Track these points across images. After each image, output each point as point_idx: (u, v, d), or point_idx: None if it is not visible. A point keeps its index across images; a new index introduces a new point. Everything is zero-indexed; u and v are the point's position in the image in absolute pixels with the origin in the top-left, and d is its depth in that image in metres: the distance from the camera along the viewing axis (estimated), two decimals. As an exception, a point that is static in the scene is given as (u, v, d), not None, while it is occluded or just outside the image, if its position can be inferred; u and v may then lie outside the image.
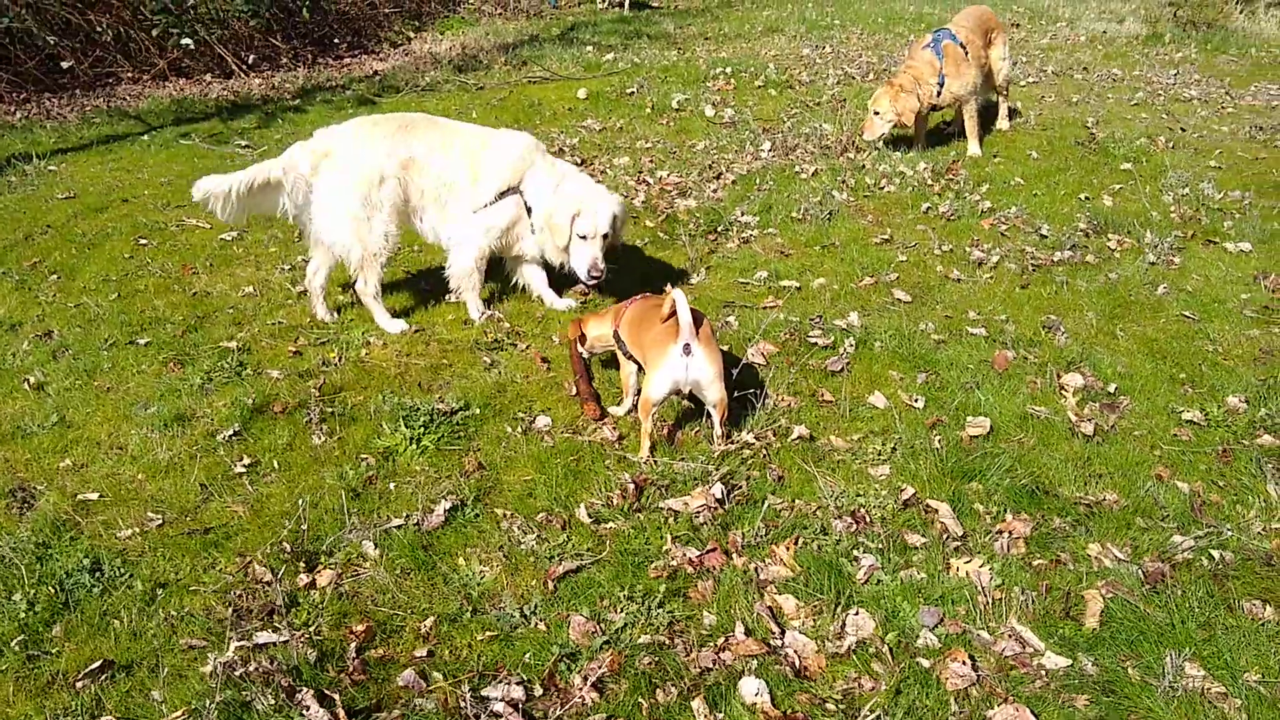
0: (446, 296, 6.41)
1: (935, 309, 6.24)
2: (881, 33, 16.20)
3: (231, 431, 4.88)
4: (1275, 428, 4.89)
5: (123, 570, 3.94)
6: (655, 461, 4.63)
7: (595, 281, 5.79)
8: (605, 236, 5.73)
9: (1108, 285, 6.54)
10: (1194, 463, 4.67)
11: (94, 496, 4.42)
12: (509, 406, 5.16)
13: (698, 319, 4.51)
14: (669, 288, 4.52)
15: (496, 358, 5.67)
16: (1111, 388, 5.27)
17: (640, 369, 4.96)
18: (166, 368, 5.54)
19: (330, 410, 5.07)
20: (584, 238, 5.72)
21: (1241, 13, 16.39)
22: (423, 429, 4.85)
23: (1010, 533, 4.13)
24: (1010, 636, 3.61)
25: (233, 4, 13.90)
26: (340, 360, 5.62)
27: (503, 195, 5.93)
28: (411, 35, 16.90)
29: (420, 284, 6.66)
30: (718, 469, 4.53)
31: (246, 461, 4.66)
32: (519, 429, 4.95)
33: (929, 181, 8.56)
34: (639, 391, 5.04)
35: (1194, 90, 12.44)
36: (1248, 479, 4.52)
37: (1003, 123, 10.17)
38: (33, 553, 4.01)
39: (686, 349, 4.44)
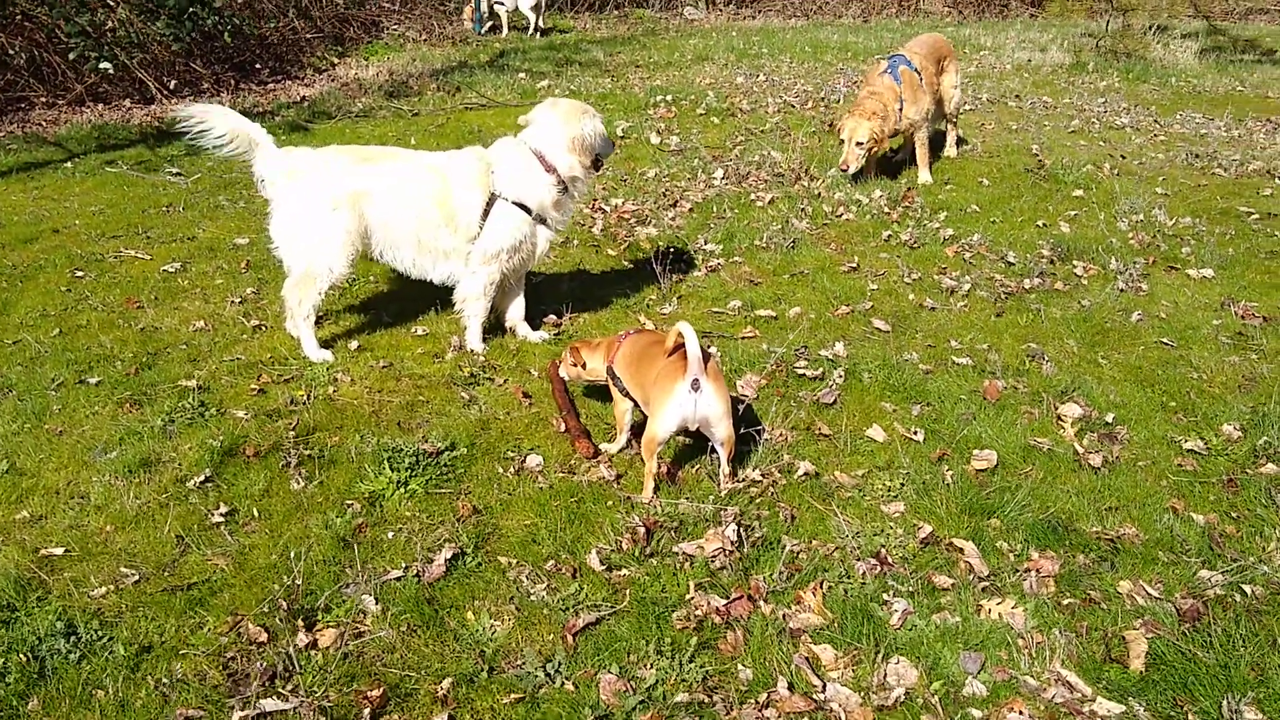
0: (413, 329, 6.16)
1: (915, 338, 6.14)
2: (810, 61, 16.27)
3: (202, 477, 4.57)
4: (1278, 456, 4.84)
5: (100, 633, 3.61)
6: (660, 502, 4.42)
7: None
8: None
9: (1082, 313, 6.50)
10: (1203, 493, 4.60)
11: (59, 551, 4.08)
12: (496, 445, 4.91)
13: (704, 354, 4.32)
14: (644, 324, 4.32)
15: (474, 393, 5.42)
16: (1109, 417, 5.20)
17: (635, 406, 4.77)
18: (122, 409, 5.20)
19: (307, 453, 4.77)
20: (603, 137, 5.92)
21: (1159, 43, 16.76)
22: (409, 471, 4.58)
23: (1038, 571, 4.00)
24: (1057, 682, 3.47)
25: (153, 27, 13.43)
26: (309, 398, 5.32)
27: (488, 208, 5.72)
28: (335, 61, 16.54)
29: (382, 316, 6.37)
30: (727, 509, 4.34)
31: (223, 510, 4.35)
32: (510, 469, 4.70)
33: (886, 209, 8.50)
34: (631, 428, 4.85)
35: (1125, 118, 12.64)
36: (1260, 509, 4.46)
37: (951, 150, 10.19)
38: (-4, 616, 3.67)
39: (695, 385, 4.26)
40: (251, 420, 5.08)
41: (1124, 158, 10.52)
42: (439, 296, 6.31)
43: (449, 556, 4.03)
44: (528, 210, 5.76)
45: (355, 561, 4.03)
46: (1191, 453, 4.92)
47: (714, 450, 4.61)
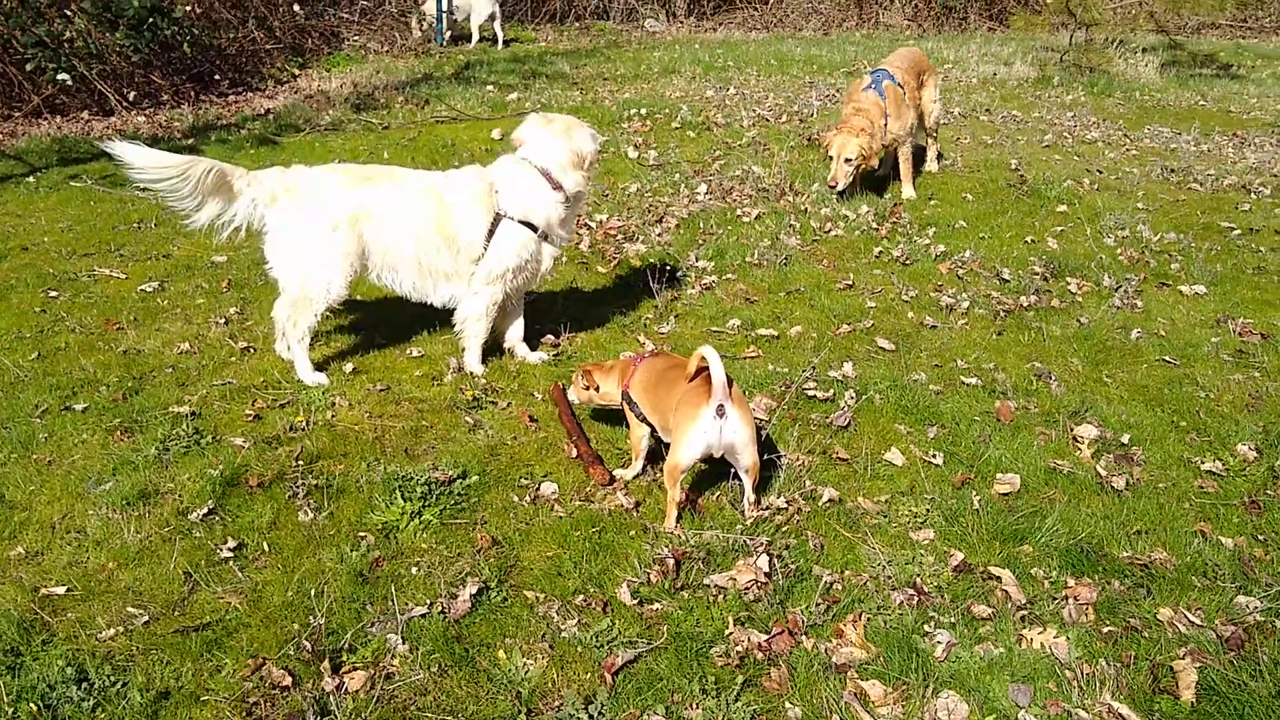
0: (408, 350, 6.01)
1: (921, 357, 6.07)
2: (777, 74, 16.24)
3: (205, 509, 4.38)
4: (1297, 477, 4.81)
5: (113, 678, 3.43)
6: (683, 532, 4.29)
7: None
8: None
9: (1083, 330, 6.47)
10: (1226, 516, 4.55)
11: (60, 590, 3.88)
12: (508, 472, 4.77)
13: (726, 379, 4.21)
14: (643, 343, 4.20)
15: (479, 417, 5.27)
16: (1125, 438, 5.15)
17: (653, 431, 4.64)
18: (113, 437, 4.99)
19: (313, 482, 4.60)
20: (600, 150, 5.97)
21: (1121, 58, 16.92)
22: (422, 501, 4.42)
23: (1076, 598, 3.92)
24: (1111, 715, 3.39)
25: (112, 37, 13.13)
26: (309, 425, 5.14)
27: (493, 229, 5.58)
28: (296, 72, 16.26)
29: (375, 338, 6.20)
30: (753, 538, 4.23)
31: (231, 544, 4.16)
32: (526, 498, 4.56)
33: (874, 225, 8.45)
34: (648, 455, 4.73)
35: (1095, 132, 12.72)
36: (1287, 532, 4.41)
37: (932, 165, 10.17)
38: (1, 662, 3.46)
39: (720, 410, 4.14)
40: (251, 448, 4.89)
41: (1101, 172, 10.56)
42: (431, 317, 6.17)
43: (474, 592, 3.88)
44: (533, 228, 5.62)
45: (375, 598, 3.88)
46: (1210, 474, 4.88)
47: (736, 477, 4.49)
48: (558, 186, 5.63)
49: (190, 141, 11.27)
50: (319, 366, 5.73)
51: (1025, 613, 3.87)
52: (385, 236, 5.55)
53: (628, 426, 4.98)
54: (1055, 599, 3.94)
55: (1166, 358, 6.12)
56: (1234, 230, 8.64)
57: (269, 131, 11.76)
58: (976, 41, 20.90)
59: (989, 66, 16.90)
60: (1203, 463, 4.96)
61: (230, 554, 4.12)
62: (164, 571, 4.01)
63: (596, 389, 4.87)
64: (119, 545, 4.16)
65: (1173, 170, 10.69)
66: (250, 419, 5.21)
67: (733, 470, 4.51)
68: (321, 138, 11.47)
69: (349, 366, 5.80)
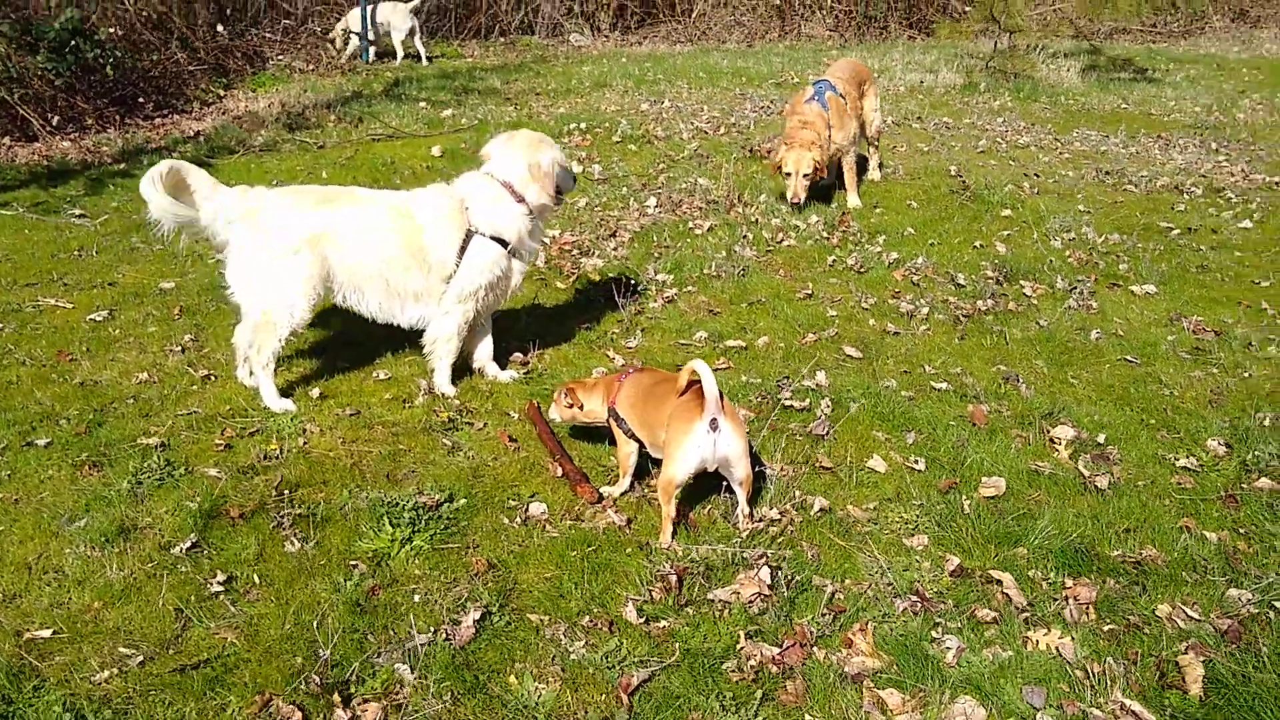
0: (374, 373, 5.91)
1: (888, 364, 6.11)
2: (708, 86, 16.30)
3: (189, 543, 4.25)
4: (1269, 470, 4.91)
5: (113, 724, 3.31)
6: (678, 547, 4.26)
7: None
8: None
9: (1043, 333, 6.57)
10: (1206, 511, 4.63)
11: (45, 633, 3.74)
12: (494, 494, 4.70)
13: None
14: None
15: (456, 439, 5.19)
16: (1100, 438, 5.22)
17: (641, 447, 4.61)
18: (81, 471, 4.83)
19: (296, 512, 4.49)
20: (565, 168, 5.92)
21: (1044, 63, 17.27)
22: (411, 527, 4.34)
23: (1076, 599, 3.96)
24: (1125, 712, 3.42)
25: (33, 61, 12.79)
26: (282, 452, 5.02)
27: (465, 245, 5.52)
28: (222, 93, 15.96)
29: (338, 361, 6.08)
30: (751, 551, 4.21)
31: (221, 578, 4.05)
32: (516, 519, 4.50)
33: (825, 234, 8.51)
34: (635, 471, 4.70)
35: (1026, 137, 12.95)
36: (1268, 525, 4.50)
37: (875, 173, 10.27)
38: (-9, 713, 3.33)
39: (713, 424, 4.13)
40: (227, 479, 4.76)
41: (1038, 176, 10.75)
42: (393, 338, 6.10)
43: (477, 617, 3.81)
44: (504, 244, 5.57)
45: (376, 627, 3.79)
46: (1186, 470, 4.97)
47: (728, 490, 4.49)
48: (521, 199, 5.60)
49: (122, 166, 11.03)
50: (284, 393, 5.62)
51: (1028, 615, 3.90)
52: (351, 258, 5.47)
53: (611, 443, 4.95)
54: (1055, 600, 3.98)
55: (1128, 357, 6.23)
56: (1173, 230, 8.84)
57: (202, 154, 11.52)
58: (899, 50, 21.17)
59: (915, 75, 17.13)
60: (1177, 459, 5.05)
61: (221, 588, 4.00)
62: (153, 609, 3.88)
63: (580, 407, 4.83)
64: (102, 584, 4.02)
65: (1108, 173, 10.92)
66: (221, 448, 5.08)
67: (724, 484, 4.50)
68: (257, 159, 11.27)
69: (315, 392, 5.68)
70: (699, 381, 4.19)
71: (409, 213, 5.56)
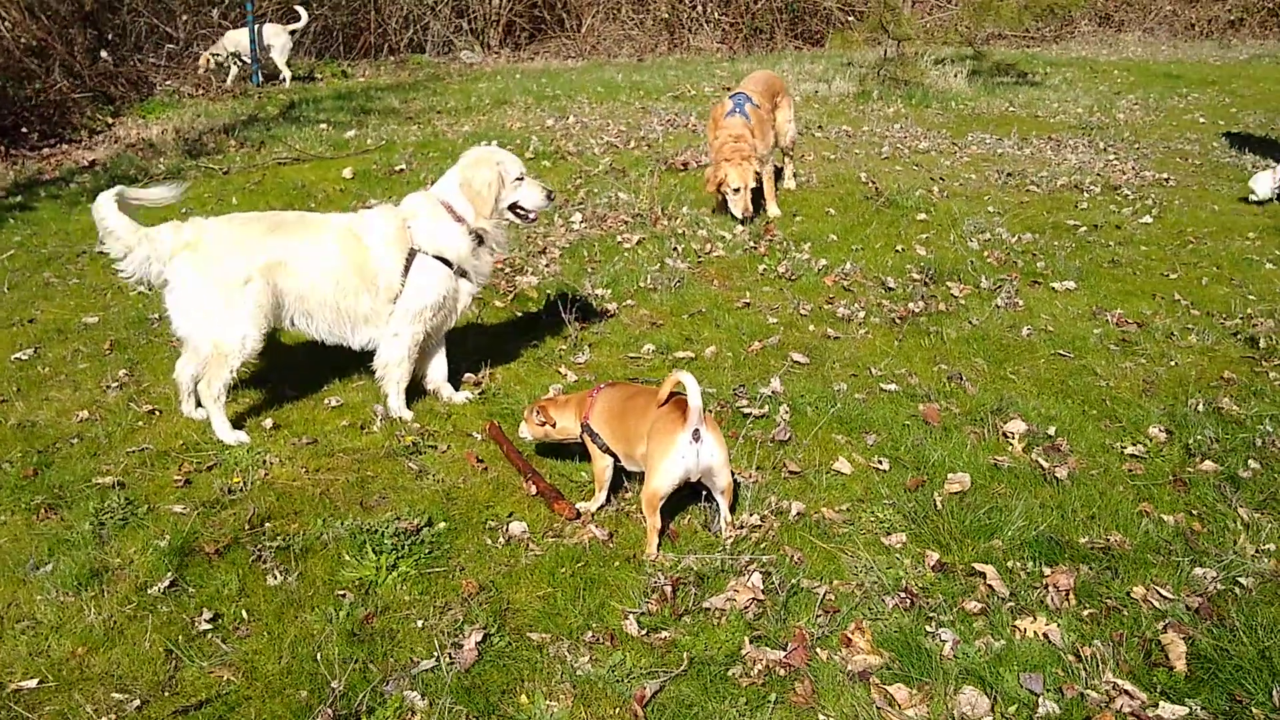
0: (325, 400, 5.83)
1: (835, 368, 6.24)
2: (609, 101, 16.39)
3: (166, 582, 4.15)
4: (1211, 454, 5.15)
5: (122, 772, 3.22)
6: (664, 558, 4.31)
7: (551, 200, 5.92)
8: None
9: (977, 331, 6.77)
10: (1159, 495, 4.83)
11: (31, 684, 3.62)
12: (471, 516, 4.69)
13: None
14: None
15: (422, 463, 5.16)
16: (1051, 430, 5.41)
17: (616, 461, 4.65)
18: (37, 515, 4.68)
19: (272, 545, 4.41)
20: (519, 179, 5.70)
21: (933, 69, 17.75)
22: (394, 553, 4.31)
23: (1055, 586, 4.10)
24: (1120, 693, 3.55)
25: (-87, 93, 12.30)
26: (246, 485, 4.93)
27: (408, 264, 5.48)
28: (111, 121, 15.53)
29: (285, 390, 5.99)
30: (737, 558, 4.27)
31: (208, 615, 3.96)
32: (498, 540, 4.49)
33: (752, 244, 8.64)
34: (610, 485, 4.73)
35: (925, 142, 13.29)
36: (1216, 505, 4.72)
37: (790, 182, 10.45)
38: (-9, 769, 3.22)
39: (696, 435, 4.18)
40: (194, 515, 4.67)
41: (944, 180, 11.05)
42: (339, 364, 6.06)
43: (478, 640, 3.80)
44: (449, 263, 5.56)
45: (375, 655, 3.76)
46: (1134, 457, 5.17)
47: (709, 499, 4.55)
48: (460, 219, 5.58)
49: (19, 199, 10.67)
50: (235, 425, 5.51)
51: (1012, 605, 4.02)
52: (301, 284, 5.41)
53: (582, 459, 4.98)
54: (1036, 588, 4.11)
55: (1060, 351, 6.45)
56: (1080, 227, 9.18)
57: (101, 185, 11.18)
58: (788, 61, 21.56)
59: (809, 84, 17.45)
60: (1124, 447, 5.26)
61: (209, 625, 3.93)
62: (140, 651, 3.79)
63: (554, 424, 4.84)
64: (82, 629, 3.91)
65: (1009, 174, 11.28)
66: (181, 484, 4.97)
67: (703, 494, 4.56)
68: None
69: (268, 422, 5.59)
70: (678, 393, 4.25)
71: (357, 235, 5.52)
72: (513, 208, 5.74)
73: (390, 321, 5.56)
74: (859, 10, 24.67)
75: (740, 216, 8.96)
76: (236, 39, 18.32)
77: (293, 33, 18.30)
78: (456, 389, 5.98)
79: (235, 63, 18.16)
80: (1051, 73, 20.18)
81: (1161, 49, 25.57)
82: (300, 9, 18.60)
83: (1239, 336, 6.64)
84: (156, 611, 4.01)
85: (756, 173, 8.79)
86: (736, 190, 8.87)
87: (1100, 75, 20.23)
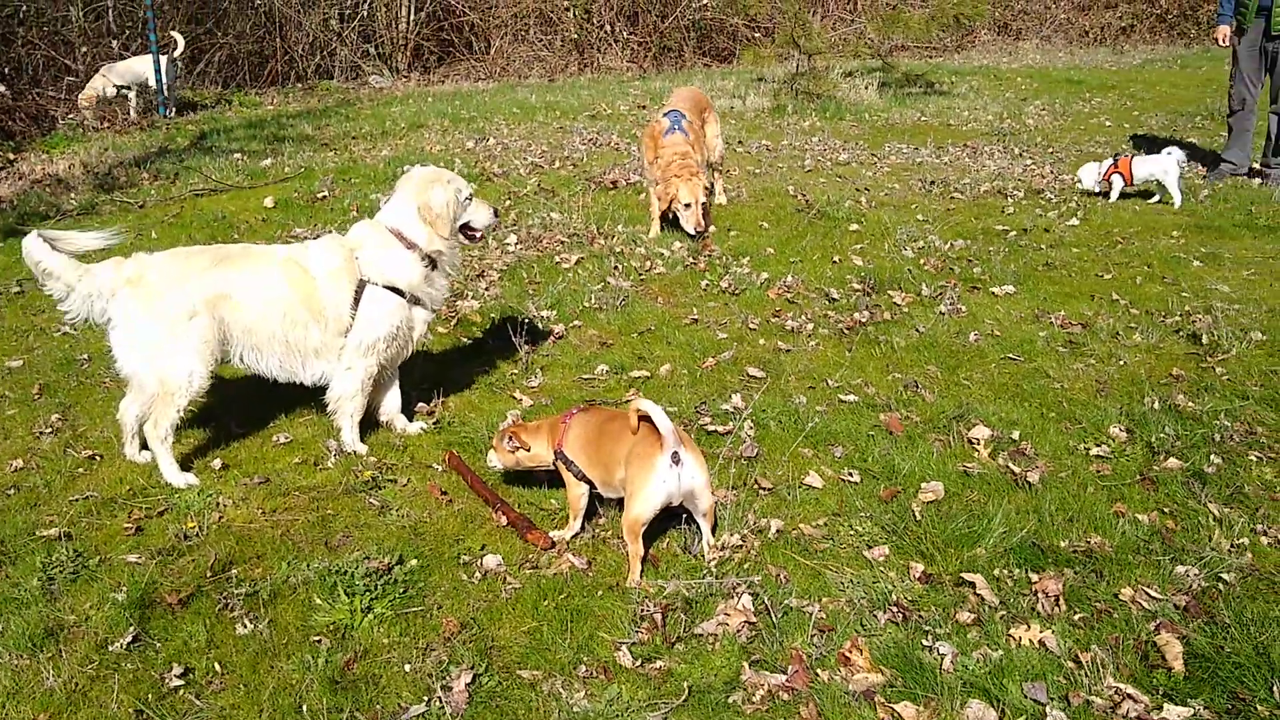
0: (273, 437, 5.64)
1: (792, 381, 6.20)
2: (526, 122, 16.26)
3: (129, 638, 3.94)
4: (1174, 451, 5.20)
5: (106, 845, 3.03)
6: (649, 585, 4.21)
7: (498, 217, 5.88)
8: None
9: (925, 339, 6.79)
10: (1129, 495, 4.86)
11: (-6, 756, 3.41)
12: (442, 551, 4.54)
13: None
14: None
15: (383, 499, 5.00)
16: (1014, 435, 5.42)
17: (591, 488, 4.54)
18: (-21, 574, 4.43)
19: (238, 591, 4.22)
20: (469, 199, 5.60)
21: (843, 82, 17.95)
22: (368, 594, 4.15)
23: (1045, 593, 4.09)
24: (1124, 697, 3.54)
25: None
26: (202, 530, 4.72)
27: (358, 295, 5.32)
28: (12, 157, 15.01)
29: (230, 427, 5.78)
30: (723, 580, 4.19)
31: (178, 670, 3.77)
32: (474, 575, 4.35)
33: (691, 260, 8.59)
34: (585, 513, 4.62)
35: (845, 154, 13.40)
36: (1187, 501, 4.76)
37: (721, 197, 10.43)
38: None
39: (675, 458, 4.10)
40: (151, 564, 4.45)
41: (869, 190, 11.14)
42: (285, 399, 5.88)
43: (467, 681, 3.67)
44: (400, 293, 5.41)
45: (362, 703, 3.60)
46: (1100, 458, 5.21)
47: (689, 521, 4.47)
48: (412, 245, 5.43)
49: (-78, 240, 10.20)
50: (182, 466, 5.30)
51: (1004, 613, 4.00)
52: (248, 318, 5.23)
53: (551, 486, 4.88)
54: (1025, 595, 4.09)
55: (1010, 355, 6.50)
56: (1010, 232, 9.30)
57: (11, 222, 10.79)
58: (699, 78, 21.65)
59: (724, 101, 17.51)
60: (1089, 449, 5.29)
61: (180, 681, 3.73)
62: (108, 713, 3.59)
63: (528, 449, 4.71)
64: (42, 692, 3.69)
65: (932, 183, 11.41)
66: (132, 532, 4.74)
67: (684, 515, 4.48)
68: (75, 222, 10.61)
69: (217, 463, 5.38)
70: (648, 417, 4.17)
71: (304, 266, 5.35)
72: (463, 228, 5.64)
73: (342, 355, 5.39)
74: (765, 27, 24.86)
75: (693, 231, 8.90)
76: (124, 70, 17.79)
77: (172, 61, 17.83)
78: (410, 419, 5.81)
79: (126, 95, 17.63)
80: (957, 81, 20.54)
81: (1059, 56, 26.24)
82: (176, 35, 18.15)
83: (1181, 333, 6.75)
84: (121, 669, 3.80)
85: (706, 187, 8.76)
86: (688, 205, 8.82)
87: (1004, 83, 20.65)
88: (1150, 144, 13.43)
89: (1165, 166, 10.25)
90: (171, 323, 5.06)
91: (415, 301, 5.49)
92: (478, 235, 5.77)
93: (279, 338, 5.29)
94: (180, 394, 5.13)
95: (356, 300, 5.34)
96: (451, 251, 5.62)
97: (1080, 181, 10.85)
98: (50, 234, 5.06)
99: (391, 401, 5.73)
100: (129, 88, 17.72)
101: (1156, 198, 10.42)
